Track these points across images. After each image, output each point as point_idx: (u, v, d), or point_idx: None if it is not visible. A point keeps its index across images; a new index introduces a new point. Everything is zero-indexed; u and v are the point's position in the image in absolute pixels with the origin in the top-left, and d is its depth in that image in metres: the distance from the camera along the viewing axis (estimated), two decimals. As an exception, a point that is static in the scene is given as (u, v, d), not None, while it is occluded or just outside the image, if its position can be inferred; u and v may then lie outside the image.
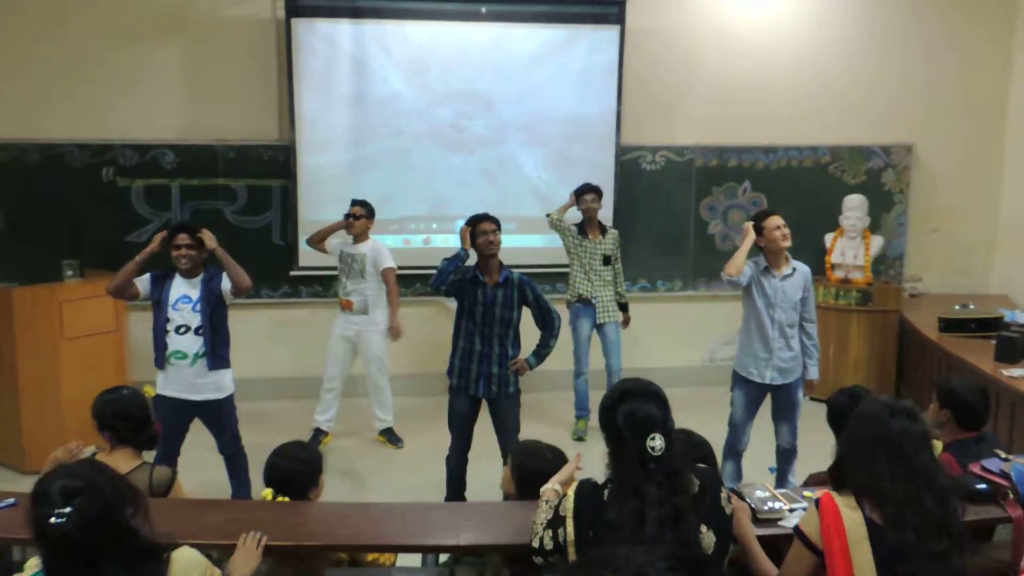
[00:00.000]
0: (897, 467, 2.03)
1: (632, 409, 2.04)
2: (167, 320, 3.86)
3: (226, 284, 3.92)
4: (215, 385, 3.93)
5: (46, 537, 1.75)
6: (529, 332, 4.14)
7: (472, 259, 4.07)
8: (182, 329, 3.86)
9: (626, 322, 5.55)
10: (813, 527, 2.11)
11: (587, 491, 2.09)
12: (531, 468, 2.69)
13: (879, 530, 2.01)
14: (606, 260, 5.35)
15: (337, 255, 5.16)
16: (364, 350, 5.17)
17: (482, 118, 6.02)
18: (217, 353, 3.91)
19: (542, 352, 4.09)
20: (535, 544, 2.15)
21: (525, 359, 4.06)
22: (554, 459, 2.72)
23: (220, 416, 3.99)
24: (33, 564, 1.90)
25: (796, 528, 2.18)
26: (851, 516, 2.05)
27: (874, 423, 2.10)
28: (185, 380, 3.87)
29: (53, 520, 1.72)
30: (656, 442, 1.98)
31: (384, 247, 5.20)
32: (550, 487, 2.37)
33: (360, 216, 5.08)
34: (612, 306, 5.41)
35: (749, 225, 4.05)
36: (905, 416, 2.09)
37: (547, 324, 4.09)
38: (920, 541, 1.97)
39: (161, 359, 3.88)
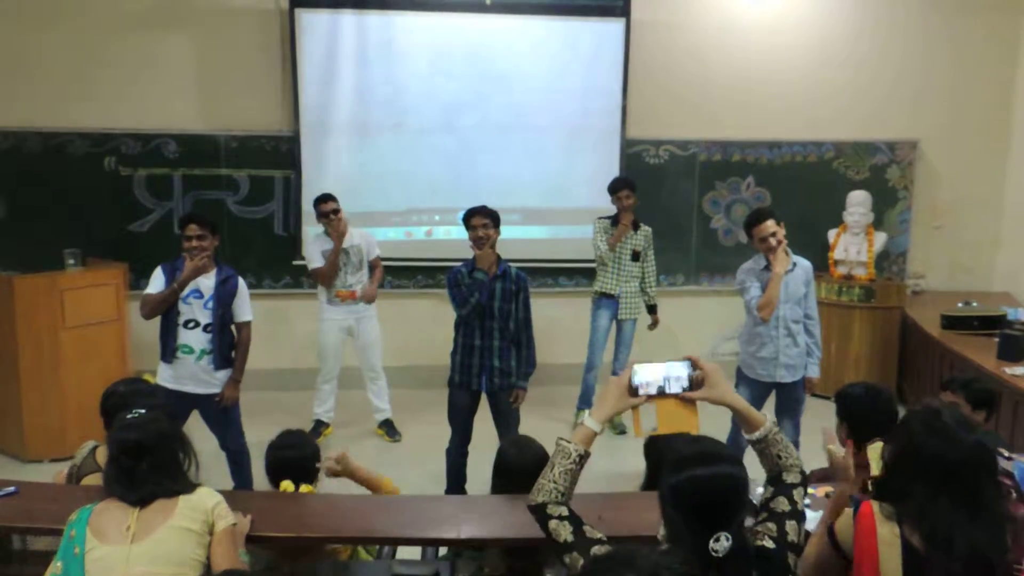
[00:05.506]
0: (956, 497, 1.85)
1: (691, 496, 1.67)
2: (178, 313, 3.78)
3: (239, 308, 3.89)
4: (222, 379, 3.89)
5: (119, 438, 2.17)
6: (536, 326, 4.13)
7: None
8: (191, 324, 3.80)
9: (655, 323, 5.51)
10: (847, 534, 2.01)
11: None
12: (515, 462, 2.69)
13: (914, 552, 1.88)
14: (635, 256, 5.28)
15: (325, 256, 4.96)
16: (365, 335, 5.13)
17: (486, 109, 5.99)
18: (224, 354, 3.87)
19: (527, 373, 4.07)
20: (551, 528, 1.85)
21: (519, 388, 4.04)
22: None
23: (225, 407, 3.92)
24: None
25: (830, 529, 2.08)
26: (887, 534, 1.92)
27: (941, 445, 1.89)
28: (190, 373, 3.81)
29: (130, 416, 2.23)
30: (720, 544, 1.62)
31: (370, 235, 5.22)
32: (586, 428, 1.96)
33: (339, 210, 4.95)
34: (635, 303, 5.35)
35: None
36: (970, 433, 1.90)
37: (520, 343, 4.02)
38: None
39: (170, 352, 3.80)
